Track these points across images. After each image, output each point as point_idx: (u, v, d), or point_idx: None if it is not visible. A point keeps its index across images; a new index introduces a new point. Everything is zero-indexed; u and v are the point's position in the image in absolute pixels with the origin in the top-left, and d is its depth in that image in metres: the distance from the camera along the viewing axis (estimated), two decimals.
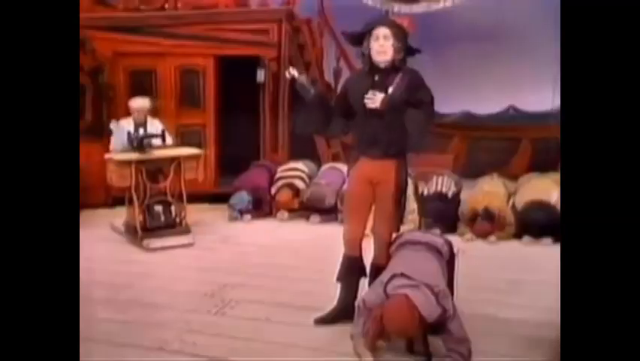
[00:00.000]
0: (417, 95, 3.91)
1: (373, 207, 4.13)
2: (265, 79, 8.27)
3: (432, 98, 3.96)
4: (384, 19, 4.03)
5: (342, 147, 8.16)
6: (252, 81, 8.24)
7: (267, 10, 8.57)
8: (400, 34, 3.94)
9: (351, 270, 4.15)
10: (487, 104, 9.95)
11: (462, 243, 6.02)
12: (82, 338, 2.57)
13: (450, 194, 6.83)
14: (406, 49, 3.96)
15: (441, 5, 8.50)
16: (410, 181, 6.80)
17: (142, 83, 8.08)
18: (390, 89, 3.90)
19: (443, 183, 6.90)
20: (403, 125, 3.91)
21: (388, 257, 3.98)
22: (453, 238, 4.74)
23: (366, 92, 3.90)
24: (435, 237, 4.18)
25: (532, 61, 8.74)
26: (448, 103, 10.21)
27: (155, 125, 6.64)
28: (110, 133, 6.77)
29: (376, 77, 3.96)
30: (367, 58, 3.99)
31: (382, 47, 3.91)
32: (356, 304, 3.73)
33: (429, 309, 3.36)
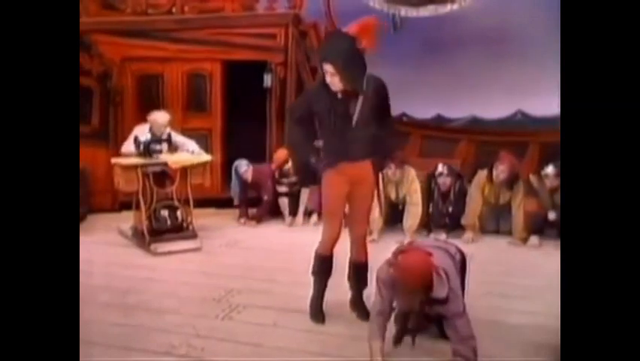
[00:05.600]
0: (384, 102, 4.03)
1: (347, 208, 4.28)
2: (272, 84, 8.27)
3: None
4: (330, 52, 3.91)
5: None
6: (258, 86, 8.25)
7: (273, 15, 8.55)
8: (348, 63, 3.85)
9: (323, 269, 4.31)
10: (495, 108, 9.91)
11: (465, 246, 5.98)
12: (87, 342, 2.58)
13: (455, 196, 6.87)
14: (361, 71, 3.91)
15: (448, 8, 8.46)
16: (417, 179, 6.83)
17: (149, 88, 8.11)
18: (357, 107, 3.93)
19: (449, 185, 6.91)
20: (374, 127, 4.02)
21: (366, 253, 4.28)
22: (456, 241, 4.72)
23: (331, 108, 3.95)
24: (448, 245, 4.21)
25: (540, 65, 8.67)
26: (455, 107, 10.19)
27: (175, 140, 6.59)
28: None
29: (339, 95, 3.95)
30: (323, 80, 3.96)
31: (332, 81, 3.90)
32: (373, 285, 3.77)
33: (442, 280, 3.40)
